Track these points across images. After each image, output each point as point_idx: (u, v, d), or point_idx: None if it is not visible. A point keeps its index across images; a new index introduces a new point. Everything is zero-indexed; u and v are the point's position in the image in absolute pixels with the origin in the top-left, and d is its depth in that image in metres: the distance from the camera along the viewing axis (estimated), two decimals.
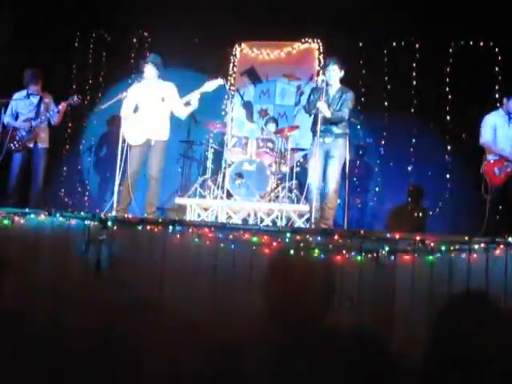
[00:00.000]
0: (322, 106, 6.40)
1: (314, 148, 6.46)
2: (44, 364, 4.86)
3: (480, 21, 8.36)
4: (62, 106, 7.56)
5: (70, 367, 4.82)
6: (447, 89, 8.86)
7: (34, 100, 7.65)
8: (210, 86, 6.88)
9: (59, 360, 4.86)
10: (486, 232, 6.35)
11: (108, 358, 4.79)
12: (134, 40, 10.23)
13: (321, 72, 6.84)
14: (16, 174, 7.49)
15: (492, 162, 6.93)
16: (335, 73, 6.61)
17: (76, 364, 4.81)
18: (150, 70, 6.92)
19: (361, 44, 9.37)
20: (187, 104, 6.94)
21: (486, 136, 7.01)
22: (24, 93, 7.66)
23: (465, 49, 8.87)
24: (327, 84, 6.61)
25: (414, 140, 9.03)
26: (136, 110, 6.90)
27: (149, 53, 8.99)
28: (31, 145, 7.56)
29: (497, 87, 8.44)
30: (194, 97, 6.87)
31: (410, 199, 9.04)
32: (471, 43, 8.87)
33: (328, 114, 6.41)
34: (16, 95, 7.69)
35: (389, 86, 9.19)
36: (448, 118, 8.81)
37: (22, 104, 7.64)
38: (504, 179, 6.84)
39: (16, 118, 7.63)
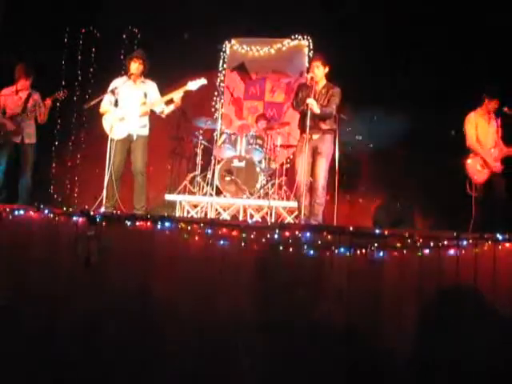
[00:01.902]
0: (311, 102, 6.39)
1: (302, 144, 6.45)
2: (33, 360, 4.85)
3: (467, 21, 8.40)
4: (47, 102, 7.53)
5: (58, 362, 4.81)
6: (435, 87, 8.86)
7: (23, 96, 7.61)
8: (193, 85, 6.89)
9: (47, 356, 4.84)
10: (474, 228, 6.38)
11: (96, 353, 4.78)
12: (124, 36, 10.19)
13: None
14: (3, 170, 7.44)
15: (475, 159, 7.00)
16: (318, 69, 6.61)
17: (64, 359, 4.80)
18: (139, 66, 6.98)
19: (350, 39, 9.35)
20: (170, 102, 6.95)
21: (472, 138, 7.10)
22: (13, 88, 7.62)
23: (453, 48, 8.88)
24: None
25: (402, 137, 9.03)
26: (116, 104, 6.91)
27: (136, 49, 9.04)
28: (18, 140, 7.50)
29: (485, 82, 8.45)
30: (177, 95, 6.88)
31: (399, 195, 9.04)
32: (458, 43, 8.89)
33: (317, 110, 6.40)
34: (4, 90, 7.65)
35: (378, 82, 9.18)
36: (435, 115, 8.81)
37: (10, 99, 7.60)
38: (487, 176, 6.92)
39: (3, 113, 7.58)
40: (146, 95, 6.95)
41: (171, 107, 7.01)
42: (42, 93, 7.75)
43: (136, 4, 9.42)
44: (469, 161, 7.04)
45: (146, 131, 6.98)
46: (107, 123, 6.93)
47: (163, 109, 6.99)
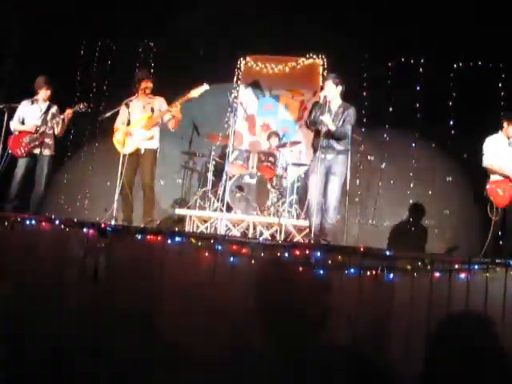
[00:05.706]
0: (326, 118, 6.36)
1: (315, 164, 6.42)
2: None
3: (486, 43, 8.38)
4: (67, 113, 7.53)
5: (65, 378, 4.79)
6: (451, 107, 8.83)
7: (43, 107, 7.65)
8: (196, 92, 6.96)
9: (54, 371, 4.82)
10: (486, 252, 6.32)
11: (104, 368, 4.76)
12: (140, 49, 10.25)
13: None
14: (19, 180, 7.44)
15: (496, 182, 6.87)
16: (330, 88, 6.59)
17: (71, 375, 4.78)
18: (150, 85, 7.19)
19: (365, 59, 9.35)
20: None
21: (488, 158, 6.97)
22: (32, 99, 7.65)
23: (470, 69, 8.87)
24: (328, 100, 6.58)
25: (415, 158, 9.02)
26: (128, 123, 7.04)
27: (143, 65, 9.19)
28: (37, 151, 7.52)
29: (501, 107, 8.40)
30: (178, 106, 6.99)
31: (410, 217, 9.01)
32: (478, 64, 8.87)
33: (332, 127, 6.38)
34: (24, 102, 7.69)
35: (392, 103, 9.17)
36: (450, 136, 8.78)
37: (30, 110, 7.64)
38: (508, 200, 6.77)
39: (22, 124, 7.61)
40: (152, 110, 7.09)
41: (177, 119, 7.09)
42: (58, 104, 7.80)
43: (151, 17, 9.49)
44: (489, 184, 6.91)
45: (153, 144, 7.09)
46: (116, 140, 7.11)
47: (172, 124, 7.12)
